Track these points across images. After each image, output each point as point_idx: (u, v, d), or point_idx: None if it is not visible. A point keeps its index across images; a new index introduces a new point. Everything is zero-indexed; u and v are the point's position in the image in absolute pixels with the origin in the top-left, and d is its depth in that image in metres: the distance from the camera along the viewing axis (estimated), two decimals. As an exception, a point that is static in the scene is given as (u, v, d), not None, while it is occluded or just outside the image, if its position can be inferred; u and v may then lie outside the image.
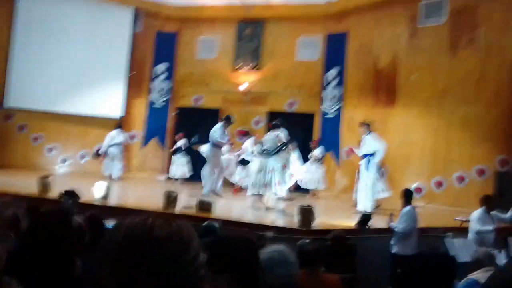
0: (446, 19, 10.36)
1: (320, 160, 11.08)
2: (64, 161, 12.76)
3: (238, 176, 10.95)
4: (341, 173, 11.56)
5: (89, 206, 6.38)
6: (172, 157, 12.40)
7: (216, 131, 9.55)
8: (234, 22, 13.30)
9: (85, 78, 12.89)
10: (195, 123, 12.66)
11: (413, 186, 9.18)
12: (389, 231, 6.30)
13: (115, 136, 11.76)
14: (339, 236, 5.48)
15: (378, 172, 8.84)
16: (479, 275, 3.40)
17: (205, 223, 4.87)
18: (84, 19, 13.03)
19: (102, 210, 6.20)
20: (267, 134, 8.67)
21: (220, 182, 9.97)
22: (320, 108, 12.33)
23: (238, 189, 10.86)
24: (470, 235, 6.14)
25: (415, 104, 10.65)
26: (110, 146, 11.67)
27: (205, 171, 9.75)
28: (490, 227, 6.06)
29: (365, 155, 8.62)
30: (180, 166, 12.08)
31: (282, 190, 8.29)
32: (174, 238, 0.99)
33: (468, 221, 6.50)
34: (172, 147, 12.52)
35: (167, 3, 13.36)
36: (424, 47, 10.64)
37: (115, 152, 11.72)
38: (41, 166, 12.31)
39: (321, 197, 10.88)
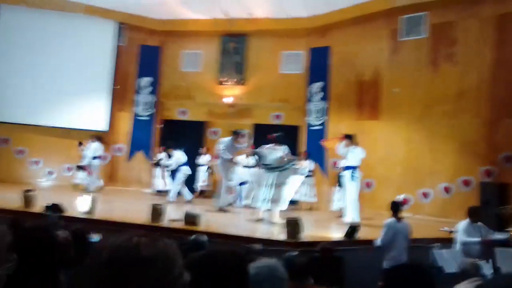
0: (427, 33, 10.58)
1: (309, 172, 11.01)
2: (48, 174, 12.57)
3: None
4: (328, 185, 11.58)
5: (74, 220, 6.29)
6: (154, 170, 12.32)
7: (221, 144, 9.41)
8: (218, 36, 13.37)
9: (69, 91, 12.78)
10: (180, 136, 12.62)
11: (400, 197, 9.25)
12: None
13: (98, 148, 11.69)
14: (327, 248, 5.49)
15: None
16: (466, 286, 3.42)
17: (193, 237, 4.84)
18: (68, 32, 12.96)
19: (87, 224, 6.12)
20: (267, 147, 8.48)
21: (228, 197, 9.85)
22: (305, 120, 12.41)
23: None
24: (457, 246, 6.18)
25: (398, 116, 10.80)
26: (94, 158, 11.60)
27: (221, 185, 9.56)
28: (476, 239, 6.09)
29: (347, 167, 8.64)
30: (161, 178, 11.99)
31: (286, 204, 8.29)
32: (160, 257, 0.98)
33: (453, 231, 6.55)
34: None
35: (151, 17, 13.39)
36: (405, 61, 10.83)
37: (97, 165, 11.65)
38: (25, 179, 12.13)
39: (312, 209, 10.89)
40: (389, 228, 5.90)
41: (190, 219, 6.93)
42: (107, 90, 13.23)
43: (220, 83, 13.29)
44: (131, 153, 13.28)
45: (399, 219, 6.01)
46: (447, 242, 6.57)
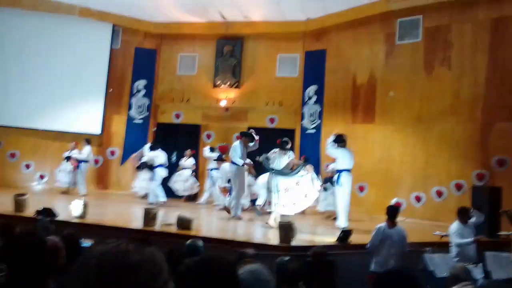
0: (421, 37, 10.62)
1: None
2: (41, 178, 12.51)
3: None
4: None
5: (66, 225, 6.27)
6: (138, 172, 12.21)
7: (235, 149, 8.96)
8: (214, 39, 13.38)
9: (63, 94, 12.74)
10: (175, 139, 12.63)
11: (393, 201, 9.27)
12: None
13: (89, 152, 11.73)
14: (319, 252, 5.48)
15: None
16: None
17: (189, 241, 4.84)
18: (62, 34, 12.91)
19: (80, 228, 6.10)
20: (275, 152, 8.41)
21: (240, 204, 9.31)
22: (300, 123, 12.42)
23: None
24: (452, 249, 6.17)
25: (393, 120, 10.83)
26: (85, 161, 11.60)
27: (232, 192, 9.12)
28: (470, 239, 6.08)
29: (338, 170, 8.60)
30: (144, 181, 11.90)
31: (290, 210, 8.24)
32: (147, 264, 0.98)
33: (447, 235, 6.56)
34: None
35: (146, 20, 13.38)
36: (400, 65, 10.87)
37: (86, 168, 11.68)
38: (17, 183, 12.07)
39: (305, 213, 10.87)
40: (377, 232, 5.86)
41: (183, 223, 6.92)
42: (101, 93, 13.19)
43: (216, 86, 13.29)
44: (125, 156, 13.23)
45: (393, 224, 5.92)
46: (439, 246, 6.58)
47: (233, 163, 8.95)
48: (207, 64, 13.42)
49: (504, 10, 9.62)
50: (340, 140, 8.57)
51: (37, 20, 12.80)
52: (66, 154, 11.78)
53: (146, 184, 11.59)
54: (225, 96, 13.04)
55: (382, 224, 5.91)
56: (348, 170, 8.42)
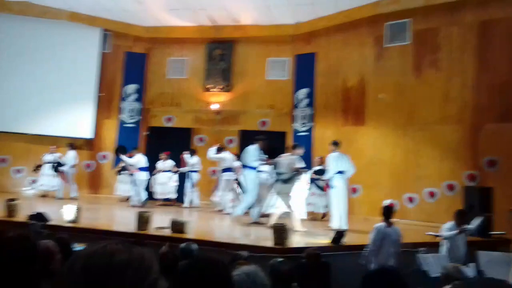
0: (410, 40, 10.72)
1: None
2: (31, 183, 12.40)
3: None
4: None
5: (58, 229, 6.23)
6: (118, 176, 12.17)
7: (250, 152, 8.80)
8: (204, 43, 13.39)
9: (53, 98, 12.67)
10: (167, 143, 12.59)
11: (386, 202, 9.30)
12: (362, 248, 6.35)
13: (74, 156, 11.71)
14: (313, 254, 5.50)
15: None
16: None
17: (183, 244, 4.84)
18: (52, 39, 12.86)
19: (72, 233, 6.06)
20: (284, 156, 8.42)
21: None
22: (291, 126, 12.46)
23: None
24: (444, 247, 6.22)
25: (383, 123, 10.90)
26: (72, 166, 11.58)
27: (248, 197, 8.82)
28: (455, 231, 6.13)
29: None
30: (124, 184, 11.84)
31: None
32: (134, 263, 0.97)
33: (440, 235, 6.62)
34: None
35: (136, 24, 13.36)
36: (390, 67, 10.96)
37: (73, 173, 11.68)
38: (8, 188, 11.97)
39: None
40: (378, 232, 5.91)
41: (177, 226, 6.90)
42: (92, 97, 13.14)
43: (207, 89, 13.30)
44: (117, 160, 13.16)
45: (389, 224, 6.01)
46: (432, 246, 6.63)
47: (247, 167, 8.81)
48: (198, 68, 13.43)
49: (491, 13, 9.75)
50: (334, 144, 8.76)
51: (26, 25, 12.71)
52: (47, 157, 11.63)
53: (127, 187, 11.64)
54: (216, 99, 13.06)
55: (381, 223, 5.95)
56: (341, 172, 8.47)
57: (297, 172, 8.23)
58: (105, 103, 13.34)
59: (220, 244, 6.34)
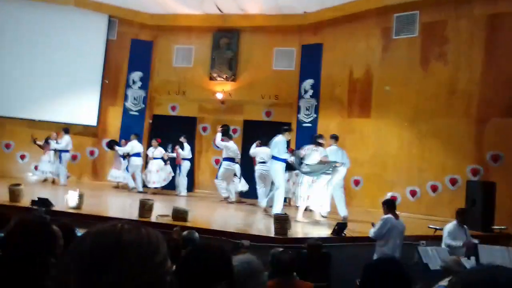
0: (418, 32, 10.63)
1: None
2: (35, 169, 12.48)
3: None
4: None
5: (61, 215, 6.27)
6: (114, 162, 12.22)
7: (280, 145, 8.51)
8: (210, 31, 13.33)
9: (58, 85, 12.69)
10: (171, 131, 12.59)
11: (388, 195, 9.31)
12: (363, 239, 6.38)
13: (69, 141, 11.80)
14: (314, 244, 5.53)
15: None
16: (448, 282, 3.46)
17: (185, 232, 4.88)
18: (58, 25, 12.84)
19: (76, 218, 6.10)
20: (307, 148, 8.39)
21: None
22: (296, 117, 12.43)
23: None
24: (443, 245, 6.26)
25: (388, 115, 10.85)
26: (65, 151, 11.66)
27: (280, 190, 8.53)
28: (459, 243, 6.20)
29: None
30: (116, 170, 11.92)
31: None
32: (142, 242, 0.97)
33: (441, 229, 6.63)
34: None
35: (142, 11, 13.31)
36: (397, 60, 10.88)
37: (68, 158, 11.81)
38: (12, 173, 12.05)
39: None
40: (385, 222, 5.91)
41: (179, 214, 6.93)
42: (97, 84, 13.15)
43: (212, 78, 13.26)
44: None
45: (397, 216, 6.06)
46: (433, 239, 6.64)
47: (277, 159, 8.54)
48: (203, 56, 13.38)
49: (500, 6, 9.64)
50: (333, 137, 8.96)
51: (32, 11, 12.70)
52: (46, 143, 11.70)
53: (122, 173, 11.78)
54: (221, 89, 13.03)
55: (389, 215, 5.97)
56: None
57: (326, 164, 8.17)
58: (110, 90, 13.34)
59: (223, 233, 6.37)
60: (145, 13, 13.36)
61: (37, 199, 6.97)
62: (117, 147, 11.55)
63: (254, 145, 10.55)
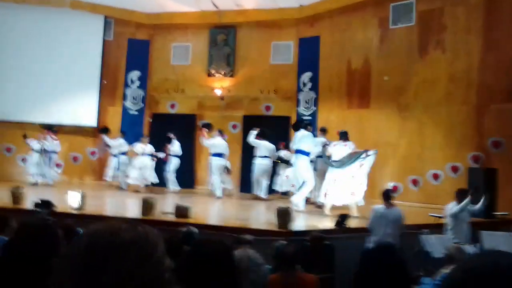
0: (415, 21, 10.58)
1: (287, 162, 10.83)
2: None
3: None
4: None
5: (64, 216, 6.28)
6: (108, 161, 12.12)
7: (306, 139, 8.55)
8: (207, 28, 13.31)
9: (57, 87, 12.70)
10: (171, 129, 12.57)
11: (390, 185, 9.31)
12: (366, 230, 6.38)
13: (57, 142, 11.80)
14: (317, 237, 5.53)
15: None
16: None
17: (185, 229, 4.89)
18: (55, 27, 12.84)
19: (78, 219, 6.11)
20: (335, 144, 8.48)
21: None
22: (296, 110, 12.41)
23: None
24: (447, 231, 6.24)
25: (388, 105, 10.83)
26: (54, 152, 11.64)
27: (308, 185, 8.56)
28: (467, 199, 6.20)
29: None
30: (113, 169, 11.87)
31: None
32: (139, 241, 0.97)
33: (442, 217, 6.63)
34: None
35: (138, 11, 13.29)
36: (395, 49, 10.85)
37: (55, 159, 11.79)
38: (14, 177, 12.03)
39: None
40: (373, 213, 6.07)
41: (181, 211, 6.94)
42: (95, 85, 13.15)
43: (210, 75, 13.25)
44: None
45: (390, 205, 6.11)
46: (436, 227, 6.65)
47: (302, 153, 8.52)
48: (201, 53, 13.37)
49: (496, -10, 9.59)
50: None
51: (29, 15, 12.68)
52: (35, 146, 11.50)
53: (114, 172, 11.79)
54: (220, 85, 13.02)
55: (379, 205, 6.06)
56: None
57: (356, 153, 8.18)
58: (109, 91, 13.35)
59: (224, 228, 6.37)
60: (141, 13, 13.35)
61: (39, 201, 6.97)
62: (104, 136, 11.54)
63: (254, 133, 10.32)
